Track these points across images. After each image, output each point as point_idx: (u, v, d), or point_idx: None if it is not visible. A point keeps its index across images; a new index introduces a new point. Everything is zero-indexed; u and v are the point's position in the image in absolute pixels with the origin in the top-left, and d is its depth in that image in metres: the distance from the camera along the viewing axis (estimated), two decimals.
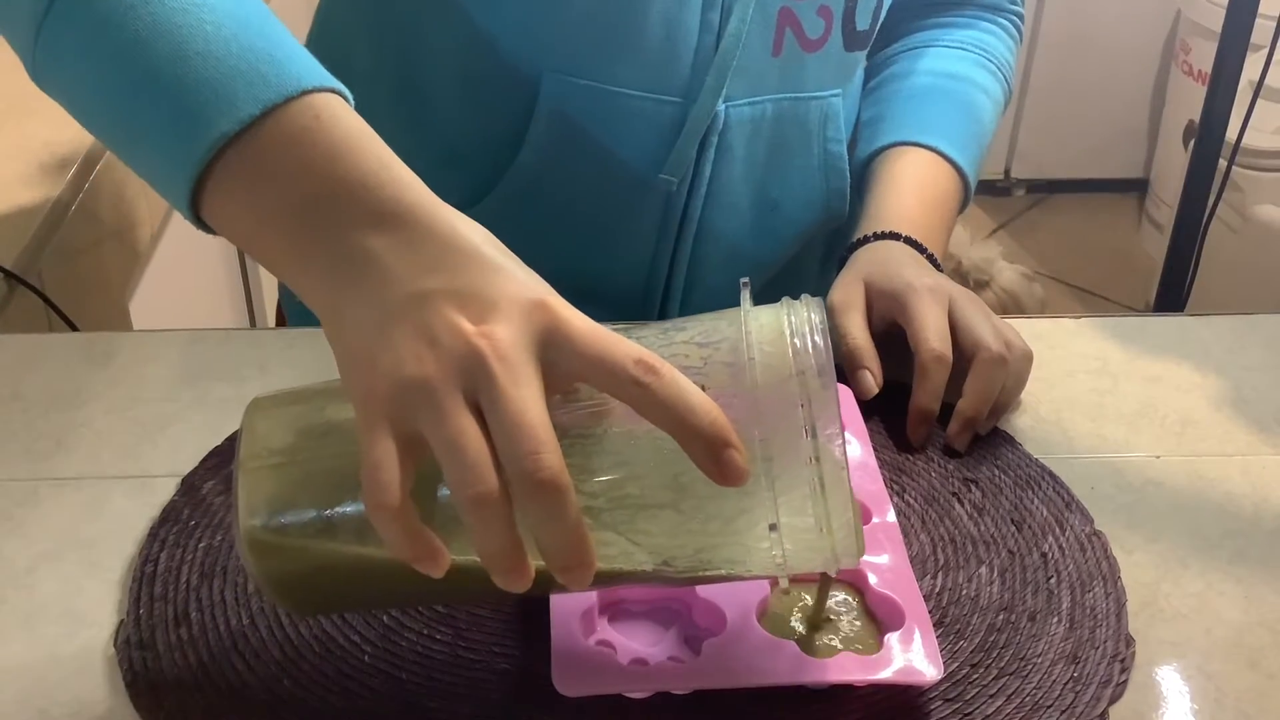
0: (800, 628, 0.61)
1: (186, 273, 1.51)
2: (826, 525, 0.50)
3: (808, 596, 0.63)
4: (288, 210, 0.52)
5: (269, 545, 0.53)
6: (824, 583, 0.62)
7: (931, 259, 0.88)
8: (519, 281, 0.50)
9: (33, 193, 1.07)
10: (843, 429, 0.51)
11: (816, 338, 0.51)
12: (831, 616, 0.62)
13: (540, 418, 0.47)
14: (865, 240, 0.89)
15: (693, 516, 0.51)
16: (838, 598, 0.63)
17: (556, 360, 0.49)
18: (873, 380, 0.79)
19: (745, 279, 0.55)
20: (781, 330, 0.51)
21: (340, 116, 0.53)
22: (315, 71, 0.54)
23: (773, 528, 0.50)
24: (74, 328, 1.02)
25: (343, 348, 0.51)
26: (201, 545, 0.68)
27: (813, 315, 0.52)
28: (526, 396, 0.47)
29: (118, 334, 0.89)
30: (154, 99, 0.53)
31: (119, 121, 0.56)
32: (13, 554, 0.68)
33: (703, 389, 0.49)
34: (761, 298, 0.53)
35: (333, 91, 0.54)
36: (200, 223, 0.55)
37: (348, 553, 0.52)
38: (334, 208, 0.51)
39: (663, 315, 0.94)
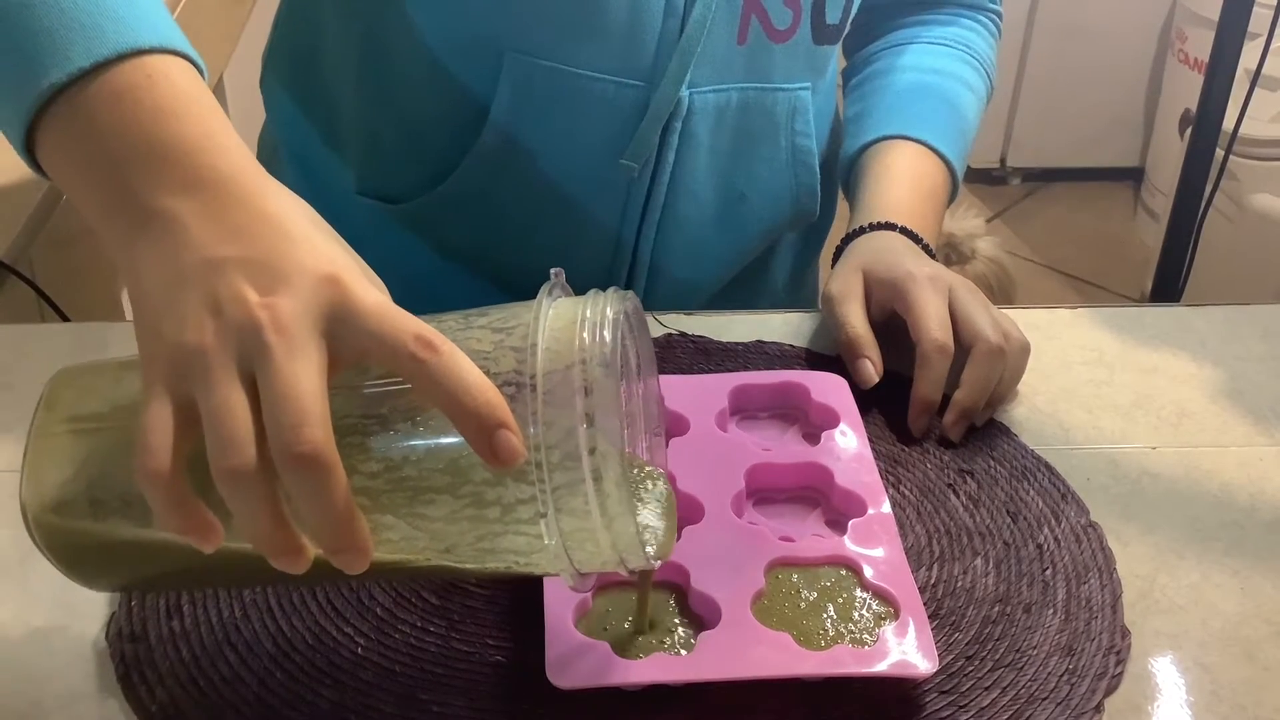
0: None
1: None
2: (603, 517, 0.49)
3: (802, 586, 0.63)
4: (106, 164, 0.51)
5: (52, 517, 0.53)
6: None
7: (927, 249, 0.88)
8: (317, 254, 0.49)
9: (24, 182, 1.07)
10: (655, 427, 0.48)
11: (604, 331, 0.50)
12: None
13: (310, 391, 0.46)
14: (861, 231, 0.89)
15: (470, 502, 0.49)
16: (826, 582, 0.63)
17: (342, 335, 0.48)
18: (873, 369, 0.79)
19: (558, 269, 0.53)
20: (574, 320, 0.50)
21: (174, 79, 0.53)
22: (161, 33, 0.54)
23: (542, 515, 0.48)
24: (65, 318, 1.02)
25: (136, 309, 0.50)
26: None
27: (610, 309, 0.51)
28: (300, 370, 0.46)
29: (109, 324, 0.89)
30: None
31: None
32: (5, 546, 0.68)
33: (487, 373, 0.47)
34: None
35: (179, 55, 0.54)
36: (36, 165, 0.55)
37: (128, 527, 0.51)
38: (148, 168, 0.51)
39: None
